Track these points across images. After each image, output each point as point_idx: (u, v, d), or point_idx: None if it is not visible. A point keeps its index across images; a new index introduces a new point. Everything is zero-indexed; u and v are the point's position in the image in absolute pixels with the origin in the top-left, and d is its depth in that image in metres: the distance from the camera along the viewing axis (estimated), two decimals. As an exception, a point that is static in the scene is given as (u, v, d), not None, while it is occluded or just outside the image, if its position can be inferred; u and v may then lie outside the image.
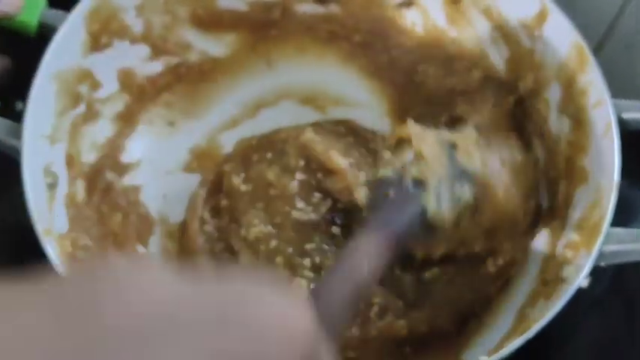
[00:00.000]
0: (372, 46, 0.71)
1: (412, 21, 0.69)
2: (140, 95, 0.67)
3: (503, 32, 0.65)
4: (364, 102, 0.72)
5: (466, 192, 0.56)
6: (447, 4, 0.67)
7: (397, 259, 0.55)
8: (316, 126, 0.69)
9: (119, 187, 0.65)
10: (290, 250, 0.63)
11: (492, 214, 0.57)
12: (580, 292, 0.52)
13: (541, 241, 0.61)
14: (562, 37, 0.60)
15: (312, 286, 0.61)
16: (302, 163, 0.65)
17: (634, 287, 0.64)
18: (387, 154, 0.58)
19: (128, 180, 0.66)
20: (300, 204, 0.65)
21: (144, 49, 0.66)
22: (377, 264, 0.50)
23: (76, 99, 0.61)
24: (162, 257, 0.65)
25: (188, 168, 0.69)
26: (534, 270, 0.60)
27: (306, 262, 0.63)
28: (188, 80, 0.69)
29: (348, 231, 0.63)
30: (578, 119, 0.59)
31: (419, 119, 0.67)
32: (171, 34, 0.67)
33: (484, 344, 0.60)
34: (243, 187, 0.65)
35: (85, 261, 0.57)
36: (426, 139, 0.57)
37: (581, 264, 0.53)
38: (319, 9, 0.70)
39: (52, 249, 0.54)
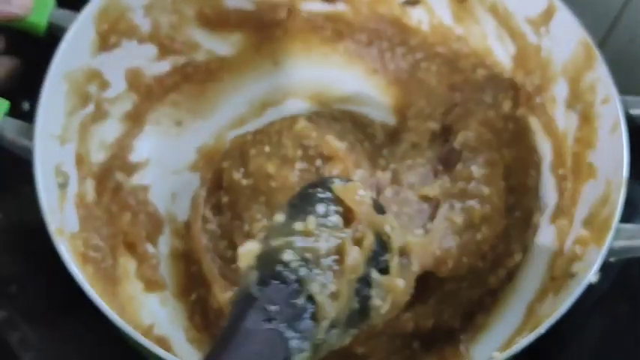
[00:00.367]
0: (378, 45, 0.71)
1: (418, 19, 0.70)
2: (148, 95, 0.67)
3: (509, 29, 0.65)
4: (369, 100, 0.72)
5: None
6: (453, 2, 0.67)
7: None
8: (309, 114, 0.68)
9: (128, 186, 0.65)
10: None
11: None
12: (586, 288, 0.53)
13: (548, 237, 0.61)
14: (569, 34, 0.61)
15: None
16: (300, 152, 0.64)
17: (639, 283, 0.65)
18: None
19: (137, 179, 0.66)
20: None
21: (151, 49, 0.66)
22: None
23: (85, 99, 0.61)
24: (171, 257, 0.66)
25: (196, 167, 0.69)
26: (542, 266, 0.61)
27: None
28: (195, 80, 0.69)
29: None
30: (586, 115, 0.60)
31: (418, 115, 0.68)
32: (178, 34, 0.67)
33: (493, 340, 0.60)
34: (244, 182, 0.64)
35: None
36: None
37: (592, 259, 0.53)
38: (326, 8, 0.70)
39: (64, 249, 0.53)
